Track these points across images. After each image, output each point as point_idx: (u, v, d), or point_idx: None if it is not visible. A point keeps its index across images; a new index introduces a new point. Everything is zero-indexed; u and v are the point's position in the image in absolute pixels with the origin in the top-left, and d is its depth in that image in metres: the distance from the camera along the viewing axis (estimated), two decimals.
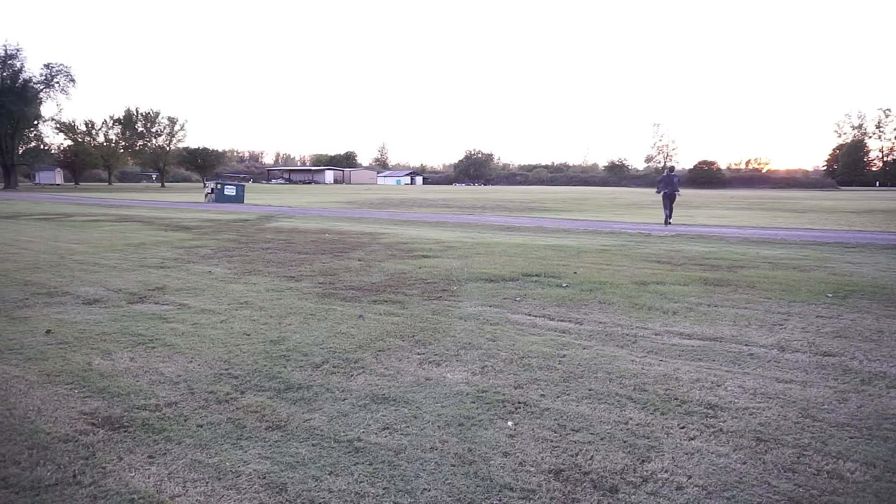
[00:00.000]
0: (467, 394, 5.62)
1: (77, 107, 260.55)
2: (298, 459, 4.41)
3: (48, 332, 7.72)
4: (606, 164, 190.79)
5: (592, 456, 4.47)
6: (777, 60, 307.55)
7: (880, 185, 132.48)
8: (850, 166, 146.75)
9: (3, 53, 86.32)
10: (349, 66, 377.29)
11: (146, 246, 16.96)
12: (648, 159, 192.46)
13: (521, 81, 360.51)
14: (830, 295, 10.11)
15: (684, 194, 59.44)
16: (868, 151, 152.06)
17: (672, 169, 29.45)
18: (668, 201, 26.74)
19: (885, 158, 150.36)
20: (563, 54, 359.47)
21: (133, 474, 4.23)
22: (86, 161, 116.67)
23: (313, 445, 4.62)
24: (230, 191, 48.97)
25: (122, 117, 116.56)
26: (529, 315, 8.76)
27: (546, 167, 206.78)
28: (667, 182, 27.06)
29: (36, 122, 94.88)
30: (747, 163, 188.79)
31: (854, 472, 4.30)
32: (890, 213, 36.11)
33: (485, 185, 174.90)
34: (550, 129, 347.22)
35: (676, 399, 5.51)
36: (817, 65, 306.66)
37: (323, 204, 45.78)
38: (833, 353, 6.95)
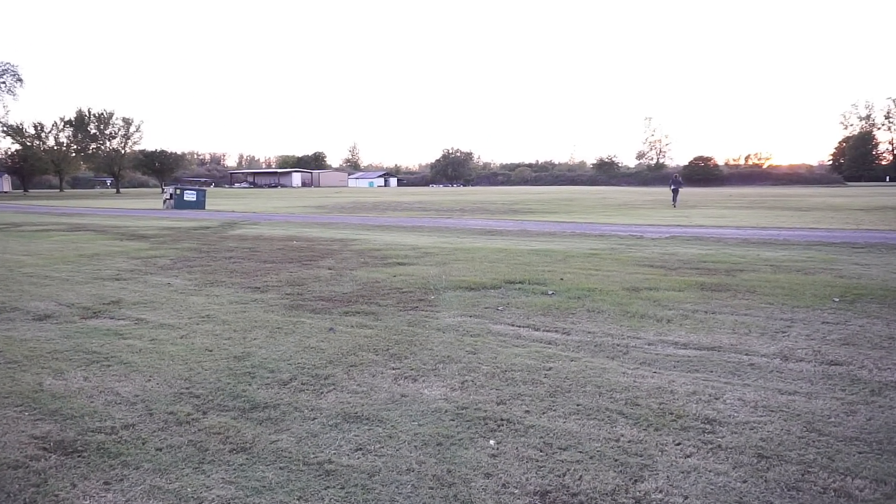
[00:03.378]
0: (446, 411, 5.65)
1: (25, 108, 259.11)
2: (265, 484, 4.42)
3: None
4: (595, 161, 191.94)
5: (581, 476, 4.51)
6: (778, 47, 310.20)
7: (890, 180, 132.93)
8: (857, 160, 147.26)
9: None
10: (317, 61, 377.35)
11: (100, 257, 16.89)
12: (640, 156, 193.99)
13: (503, 75, 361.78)
14: (837, 299, 10.22)
15: (681, 195, 59.96)
16: (877, 144, 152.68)
17: (677, 180, 46.98)
18: (675, 193, 45.30)
19: (895, 151, 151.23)
20: (547, 45, 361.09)
21: (88, 502, 4.22)
22: (35, 166, 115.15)
23: (281, 469, 4.63)
24: (190, 196, 48.93)
25: (73, 119, 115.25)
26: (513, 325, 8.80)
27: (530, 166, 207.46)
28: (675, 182, 46.33)
29: None
30: (747, 158, 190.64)
31: (863, 489, 4.34)
32: None
33: (464, 185, 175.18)
34: (534, 126, 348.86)
35: (671, 414, 5.56)
36: (821, 52, 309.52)
37: (290, 209, 45.72)
38: (840, 362, 7.02)
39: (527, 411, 5.64)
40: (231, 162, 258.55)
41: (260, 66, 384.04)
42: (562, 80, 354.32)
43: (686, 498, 4.21)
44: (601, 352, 7.49)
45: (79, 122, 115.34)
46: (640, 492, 4.29)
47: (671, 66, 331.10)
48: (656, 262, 14.73)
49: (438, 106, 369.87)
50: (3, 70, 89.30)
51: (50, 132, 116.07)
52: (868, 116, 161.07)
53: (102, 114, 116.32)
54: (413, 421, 5.45)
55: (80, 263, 15.54)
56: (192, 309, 10.08)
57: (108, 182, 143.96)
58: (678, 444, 4.97)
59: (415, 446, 4.96)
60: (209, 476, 4.54)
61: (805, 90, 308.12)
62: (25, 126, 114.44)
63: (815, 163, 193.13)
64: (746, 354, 7.32)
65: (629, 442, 5.01)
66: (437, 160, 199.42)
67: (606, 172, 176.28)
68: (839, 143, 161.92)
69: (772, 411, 5.61)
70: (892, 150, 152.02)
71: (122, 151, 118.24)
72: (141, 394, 6.19)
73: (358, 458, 4.77)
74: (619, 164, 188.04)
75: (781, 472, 4.53)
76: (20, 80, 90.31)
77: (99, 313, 9.84)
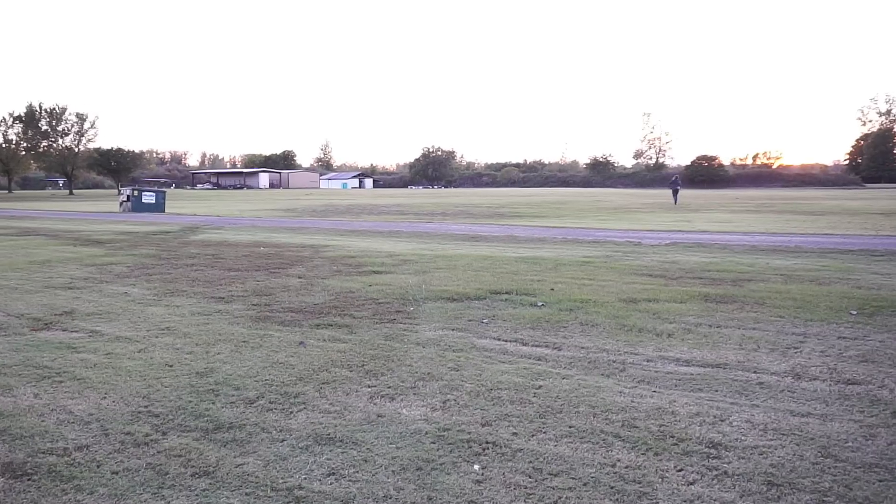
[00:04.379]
0: (426, 433, 5.66)
1: None
2: None
3: None
4: (588, 161, 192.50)
5: None
6: (790, 35, 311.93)
7: None
8: (876, 159, 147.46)
9: None
10: (287, 52, 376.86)
11: (52, 263, 16.85)
12: (638, 155, 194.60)
13: (488, 68, 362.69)
14: (855, 312, 10.28)
15: (680, 195, 60.23)
16: None
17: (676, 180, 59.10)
18: (675, 194, 57.17)
19: None
20: (536, 36, 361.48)
21: None
22: None
23: (247, 495, 4.63)
24: (149, 198, 49.10)
25: (23, 114, 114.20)
26: (499, 340, 8.84)
27: (517, 166, 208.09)
28: (674, 183, 58.58)
29: None
30: (755, 157, 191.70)
31: None
32: None
33: (446, 187, 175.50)
34: (522, 123, 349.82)
35: (673, 437, 5.59)
36: (838, 41, 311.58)
37: (257, 212, 45.72)
38: (858, 381, 7.06)
39: (514, 433, 5.66)
40: (193, 161, 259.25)
41: (224, 59, 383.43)
42: (552, 73, 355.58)
43: None
44: (595, 369, 7.53)
45: (29, 118, 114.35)
46: None
47: (672, 58, 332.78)
48: (656, 271, 14.81)
49: (418, 101, 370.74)
50: None
51: None
52: (889, 112, 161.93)
53: (54, 109, 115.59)
54: (390, 443, 5.46)
55: (30, 271, 15.52)
56: (150, 320, 10.08)
57: (61, 183, 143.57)
58: (680, 471, 4.99)
59: (392, 471, 4.97)
60: (169, 502, 4.53)
61: (819, 83, 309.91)
62: None
63: (830, 162, 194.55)
64: (755, 372, 7.36)
65: (626, 468, 5.04)
66: (417, 159, 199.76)
67: (601, 173, 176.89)
68: (857, 140, 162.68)
69: (783, 434, 5.64)
70: None
71: (76, 150, 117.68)
72: (96, 412, 6.18)
73: (330, 484, 4.78)
74: (615, 164, 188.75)
75: (794, 502, 4.55)
76: None
77: (50, 325, 9.83)
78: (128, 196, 49.04)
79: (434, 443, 5.47)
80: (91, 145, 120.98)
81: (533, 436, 5.62)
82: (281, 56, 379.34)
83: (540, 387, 6.88)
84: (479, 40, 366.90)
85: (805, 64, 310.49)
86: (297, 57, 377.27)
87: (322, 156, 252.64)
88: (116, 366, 7.67)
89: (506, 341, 8.75)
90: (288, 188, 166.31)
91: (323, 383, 7.03)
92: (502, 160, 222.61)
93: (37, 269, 15.71)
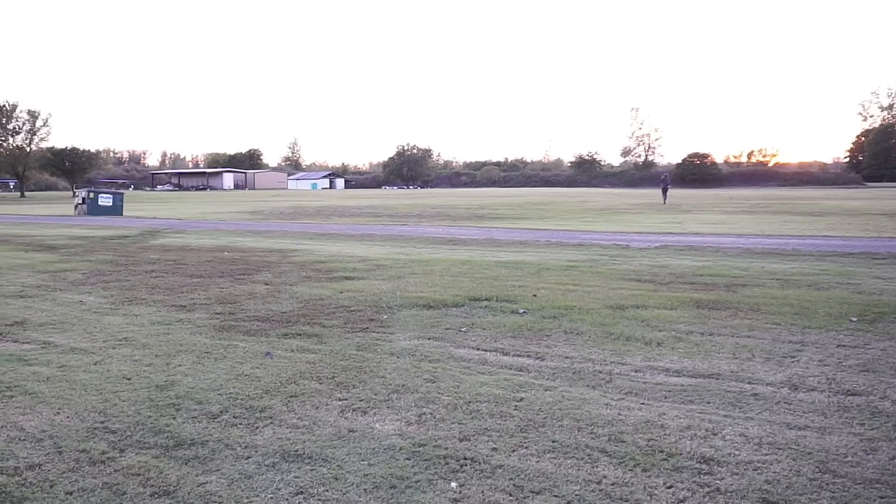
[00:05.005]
0: (401, 448, 5.66)
1: None
2: None
3: None
4: (573, 159, 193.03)
5: None
6: (785, 27, 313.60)
7: None
8: (878, 157, 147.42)
9: None
10: (252, 46, 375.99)
11: (2, 271, 16.81)
12: (626, 152, 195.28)
13: (466, 62, 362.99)
14: (855, 319, 10.35)
15: (670, 195, 60.64)
16: None
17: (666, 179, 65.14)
18: (664, 192, 62.19)
19: None
20: (517, 28, 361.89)
21: None
22: None
23: None
24: (106, 200, 48.99)
25: None
26: (478, 349, 8.86)
27: (498, 165, 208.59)
28: (664, 181, 64.62)
29: None
30: (749, 155, 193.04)
31: None
32: None
33: (422, 187, 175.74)
34: (502, 119, 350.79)
35: (662, 452, 5.61)
36: (836, 32, 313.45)
37: (220, 215, 45.76)
38: (859, 392, 7.11)
39: (494, 449, 5.67)
40: (153, 161, 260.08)
41: (186, 53, 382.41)
42: (535, 67, 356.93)
43: None
44: (580, 380, 7.55)
45: None
46: None
47: (662, 50, 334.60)
48: (644, 276, 14.88)
49: (392, 97, 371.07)
50: None
51: None
52: (891, 106, 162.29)
53: (4, 106, 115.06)
54: (362, 460, 5.46)
55: None
56: (107, 331, 10.05)
57: (11, 184, 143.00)
58: (670, 487, 5.02)
59: (364, 489, 4.97)
60: None
61: (818, 76, 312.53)
62: None
63: (829, 160, 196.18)
64: (749, 383, 7.40)
65: (613, 485, 5.05)
66: (391, 158, 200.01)
67: (587, 172, 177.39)
68: (857, 137, 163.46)
69: (779, 449, 5.67)
70: None
71: (28, 149, 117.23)
72: (49, 429, 6.15)
73: None
74: (602, 163, 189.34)
75: None
76: None
77: (0, 336, 9.78)
78: (83, 198, 48.94)
79: (409, 459, 5.47)
80: (44, 144, 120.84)
81: (514, 451, 5.63)
82: (246, 49, 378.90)
83: (521, 399, 6.89)
84: (458, 32, 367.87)
85: (803, 56, 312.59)
86: (264, 50, 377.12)
87: (290, 155, 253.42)
88: (71, 379, 7.63)
89: (485, 351, 8.77)
90: (254, 189, 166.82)
91: (291, 396, 7.03)
92: (482, 158, 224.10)
93: None
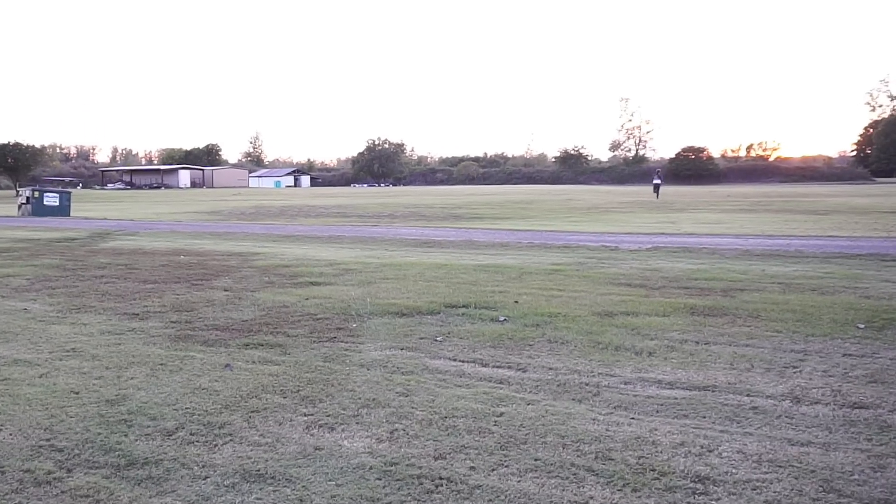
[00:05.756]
0: (371, 468, 5.65)
1: None
2: None
3: None
4: (558, 154, 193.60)
5: None
6: (787, 11, 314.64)
7: None
8: (888, 150, 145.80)
9: None
10: (210, 33, 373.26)
11: None
12: (614, 146, 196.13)
13: (442, 50, 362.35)
14: (862, 326, 10.39)
15: (662, 192, 60.95)
16: None
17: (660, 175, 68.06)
18: (656, 188, 68.25)
19: None
20: (497, 14, 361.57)
21: None
22: None
23: None
24: (52, 200, 48.92)
25: None
26: (455, 360, 8.87)
27: (476, 160, 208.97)
28: (658, 177, 70.26)
29: None
30: (748, 149, 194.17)
31: None
32: None
33: (394, 185, 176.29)
34: (481, 111, 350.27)
35: (653, 470, 5.62)
36: (841, 17, 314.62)
37: (176, 215, 45.75)
38: (866, 405, 7.14)
39: (472, 468, 5.67)
40: (103, 157, 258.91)
41: (138, 41, 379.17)
42: (516, 55, 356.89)
43: None
44: (565, 393, 7.56)
45: None
46: None
47: (653, 36, 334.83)
48: (635, 280, 14.94)
49: (362, 88, 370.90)
50: None
51: None
52: None
53: None
54: (329, 480, 5.45)
55: None
56: (53, 341, 10.00)
57: None
58: None
59: None
60: None
61: (822, 64, 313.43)
62: None
63: (834, 154, 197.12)
64: (748, 395, 7.42)
65: None
66: (361, 154, 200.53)
67: (572, 168, 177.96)
68: (865, 128, 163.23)
69: (779, 467, 5.68)
70: None
71: None
72: None
73: None
74: (589, 158, 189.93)
75: None
76: None
77: None
78: (27, 198, 48.72)
79: (380, 479, 5.46)
80: None
81: (493, 470, 5.63)
82: (204, 37, 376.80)
83: (502, 414, 6.90)
84: (432, 18, 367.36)
85: (806, 41, 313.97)
86: (223, 37, 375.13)
87: (252, 150, 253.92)
88: (14, 393, 7.59)
89: (463, 362, 8.78)
90: (212, 187, 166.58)
91: (252, 411, 7.01)
92: (459, 154, 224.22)
93: None
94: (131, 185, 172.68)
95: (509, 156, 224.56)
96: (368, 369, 8.45)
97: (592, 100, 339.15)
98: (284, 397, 7.44)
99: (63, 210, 48.36)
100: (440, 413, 6.92)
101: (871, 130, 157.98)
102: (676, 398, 7.35)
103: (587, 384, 7.83)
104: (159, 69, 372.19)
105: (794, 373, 8.18)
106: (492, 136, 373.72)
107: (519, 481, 5.43)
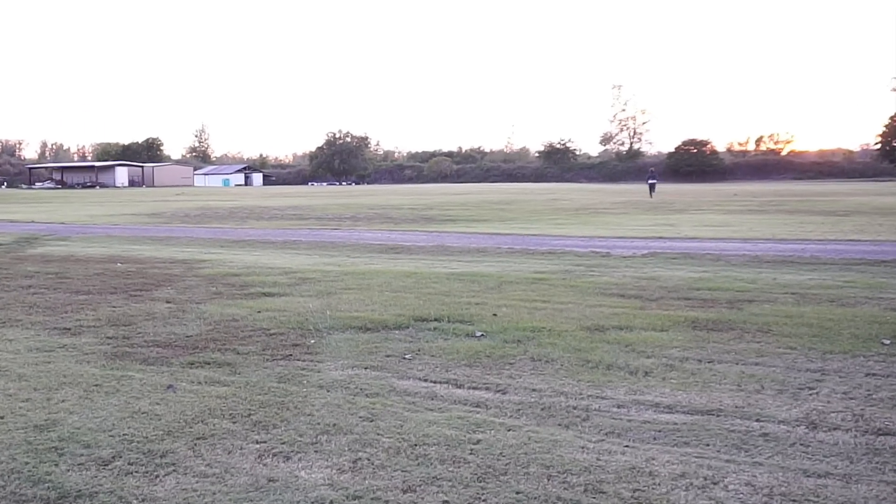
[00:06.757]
0: (332, 501, 5.65)
1: None
2: None
3: None
4: (542, 148, 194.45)
5: None
6: None
7: None
8: None
9: None
10: (148, 17, 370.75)
11: None
12: (606, 139, 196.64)
13: (409, 33, 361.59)
14: (888, 341, 10.44)
15: (660, 191, 61.23)
16: None
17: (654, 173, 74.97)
18: (651, 187, 71.61)
19: None
20: None
21: None
22: None
23: None
24: None
25: None
26: (426, 381, 8.88)
27: (450, 156, 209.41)
28: (651, 175, 74.61)
29: None
30: (758, 142, 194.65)
31: None
32: None
33: (357, 183, 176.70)
34: (455, 101, 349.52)
35: None
36: None
37: (113, 218, 45.57)
38: (892, 431, 7.17)
39: (445, 502, 5.67)
40: (30, 153, 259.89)
41: (69, 26, 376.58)
42: (493, 38, 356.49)
43: None
44: (551, 417, 7.58)
45: None
46: None
47: (649, 16, 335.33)
48: (629, 291, 14.99)
49: (321, 76, 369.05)
50: None
51: None
52: None
53: None
54: None
55: None
56: None
57: None
58: None
59: None
60: None
61: (841, 46, 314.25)
62: None
63: (855, 147, 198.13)
64: (758, 420, 7.45)
65: None
66: (320, 148, 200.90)
67: (558, 163, 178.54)
68: (891, 118, 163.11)
69: (794, 501, 5.70)
70: None
71: None
72: None
73: None
74: (577, 152, 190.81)
75: None
76: None
77: None
78: None
79: None
80: None
81: None
82: (143, 21, 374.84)
83: (478, 441, 6.90)
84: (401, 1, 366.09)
85: (822, 21, 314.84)
86: (164, 21, 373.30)
87: (197, 145, 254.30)
88: None
89: (434, 383, 8.79)
90: (153, 186, 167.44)
91: (198, 438, 7.00)
92: (430, 148, 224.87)
93: None
94: (62, 184, 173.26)
95: (487, 150, 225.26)
96: (328, 391, 8.45)
97: (581, 87, 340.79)
98: (234, 422, 7.44)
99: None
100: (409, 440, 6.92)
101: None
102: (676, 423, 7.37)
103: (575, 408, 7.85)
104: (93, 56, 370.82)
105: (810, 395, 8.20)
106: (467, 128, 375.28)
107: None
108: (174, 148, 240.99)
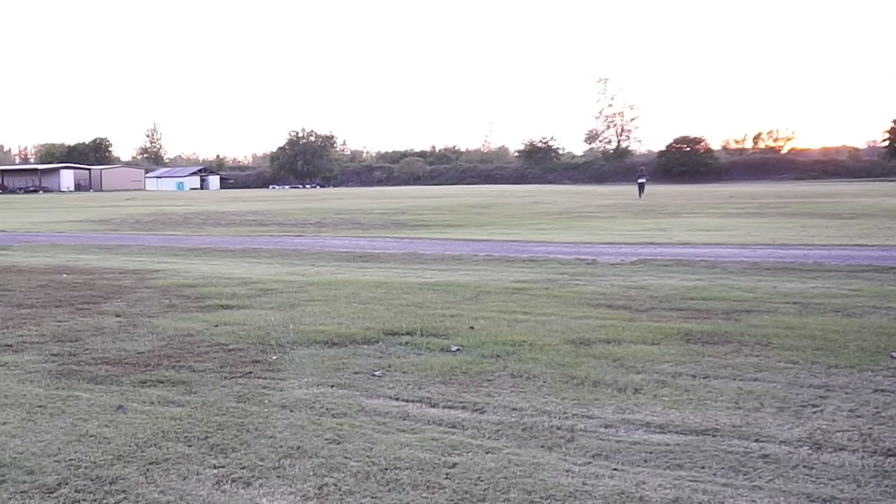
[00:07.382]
0: None
1: None
2: None
3: None
4: (522, 147, 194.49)
5: None
6: None
7: None
8: None
9: None
10: (96, 9, 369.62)
11: None
12: (591, 137, 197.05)
13: (378, 25, 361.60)
14: None
15: (651, 193, 61.38)
16: None
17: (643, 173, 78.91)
18: (641, 188, 76.57)
19: None
20: None
21: None
22: None
23: None
24: None
25: None
26: (397, 399, 8.88)
27: (422, 155, 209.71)
28: (641, 175, 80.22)
29: None
30: (756, 139, 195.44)
31: None
32: None
33: (322, 186, 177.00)
34: (428, 97, 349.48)
35: None
36: None
37: (58, 225, 45.59)
38: None
39: None
40: None
41: (4, 16, 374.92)
42: (469, 29, 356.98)
43: None
44: (533, 439, 7.59)
45: None
46: None
47: (638, 4, 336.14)
48: (617, 301, 15.02)
49: (283, 71, 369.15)
50: None
51: None
52: None
53: None
54: None
55: None
56: None
57: None
58: None
59: None
60: None
61: (845, 36, 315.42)
62: None
63: (862, 144, 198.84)
64: (757, 441, 7.46)
65: None
66: (282, 148, 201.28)
67: (540, 164, 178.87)
68: None
69: None
70: None
71: None
72: None
73: None
74: (560, 152, 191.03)
75: None
76: None
77: None
78: None
79: None
80: None
81: None
82: (89, 13, 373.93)
83: (454, 465, 6.90)
84: None
85: (824, 9, 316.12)
86: (114, 14, 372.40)
87: (149, 145, 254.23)
88: None
89: (407, 401, 8.79)
90: (101, 190, 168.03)
91: (150, 463, 6.97)
92: (402, 148, 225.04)
93: None
94: (2, 189, 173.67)
95: (463, 150, 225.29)
96: (292, 411, 8.43)
97: (564, 81, 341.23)
98: (189, 446, 7.41)
99: None
100: (379, 464, 6.92)
101: None
102: (669, 444, 7.38)
103: (559, 428, 7.85)
104: (34, 50, 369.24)
105: (814, 413, 8.23)
106: (441, 126, 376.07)
107: None
108: (124, 149, 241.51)
